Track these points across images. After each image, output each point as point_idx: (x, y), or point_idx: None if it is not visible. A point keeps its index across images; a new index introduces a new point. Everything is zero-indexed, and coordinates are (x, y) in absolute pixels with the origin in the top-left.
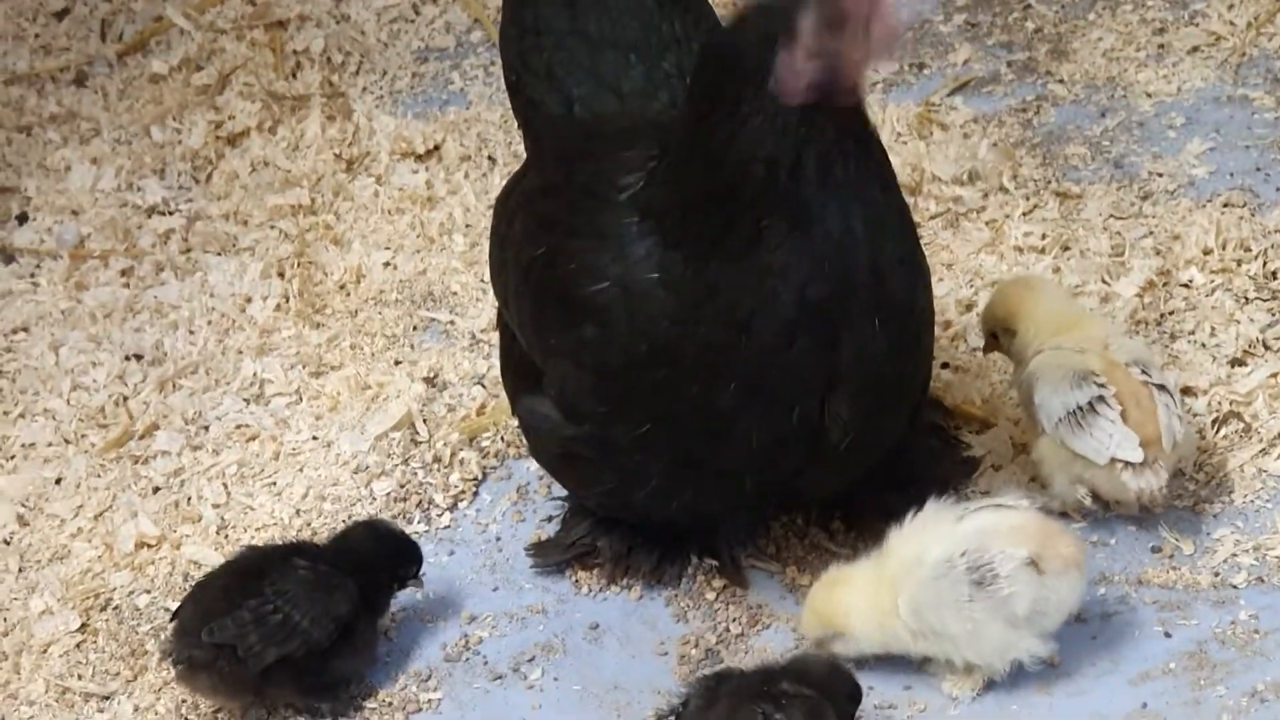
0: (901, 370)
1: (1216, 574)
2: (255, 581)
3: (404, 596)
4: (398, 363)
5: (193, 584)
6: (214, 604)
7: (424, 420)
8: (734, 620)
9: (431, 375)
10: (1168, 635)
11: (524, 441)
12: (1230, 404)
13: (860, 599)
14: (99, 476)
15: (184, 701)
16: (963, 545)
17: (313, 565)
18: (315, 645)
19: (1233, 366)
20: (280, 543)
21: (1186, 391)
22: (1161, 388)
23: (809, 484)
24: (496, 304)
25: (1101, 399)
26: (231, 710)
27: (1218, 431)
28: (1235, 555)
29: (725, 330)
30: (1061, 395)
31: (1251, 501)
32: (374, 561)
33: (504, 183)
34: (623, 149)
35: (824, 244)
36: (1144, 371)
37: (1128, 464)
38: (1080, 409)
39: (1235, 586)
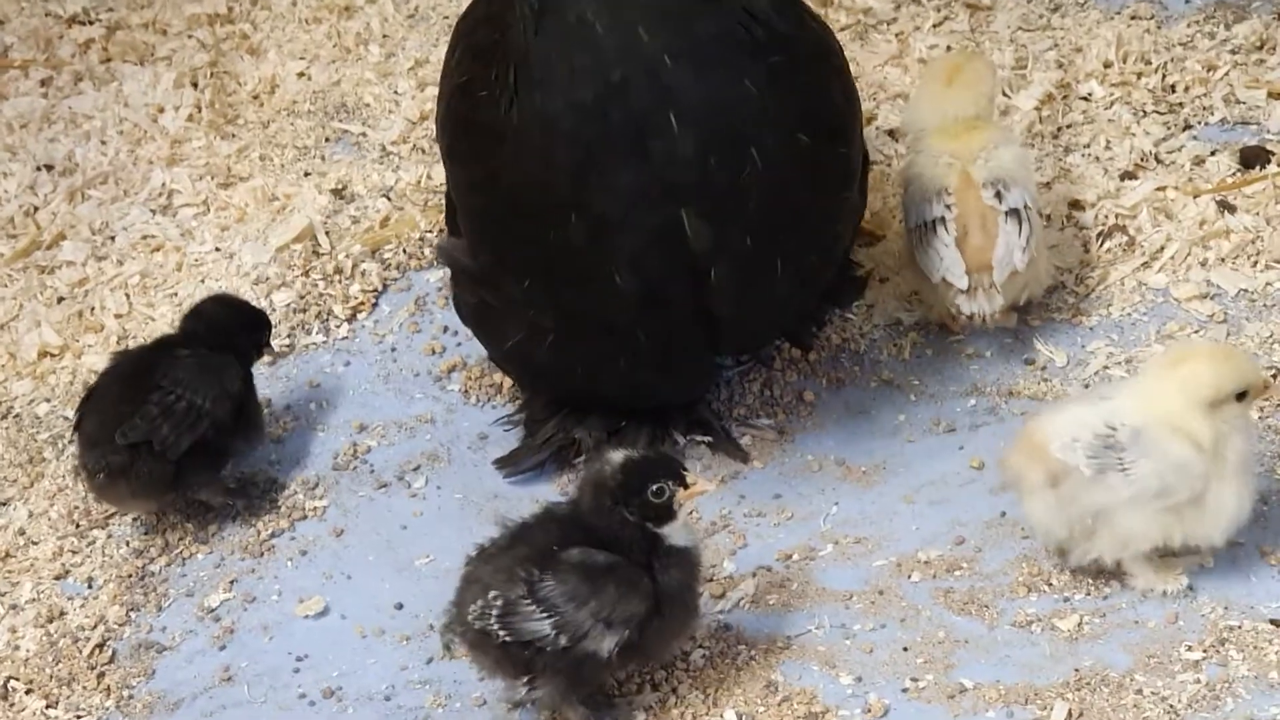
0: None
1: (1086, 386)
2: (147, 378)
3: (296, 405)
4: (307, 174)
5: (79, 401)
6: (116, 409)
7: (327, 232)
8: None
9: (340, 187)
10: None
11: (425, 254)
12: (1116, 217)
13: None
14: (5, 286)
15: (76, 508)
16: None
17: (194, 350)
18: (221, 424)
19: (1123, 180)
20: (146, 342)
21: (1075, 205)
22: (1012, 213)
23: (725, 340)
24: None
25: (943, 220)
26: (121, 514)
27: (1102, 245)
28: (1107, 368)
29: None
30: (917, 205)
31: (1128, 314)
32: (236, 332)
33: None
34: None
35: None
36: (998, 195)
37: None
38: (927, 224)
39: (1104, 399)
